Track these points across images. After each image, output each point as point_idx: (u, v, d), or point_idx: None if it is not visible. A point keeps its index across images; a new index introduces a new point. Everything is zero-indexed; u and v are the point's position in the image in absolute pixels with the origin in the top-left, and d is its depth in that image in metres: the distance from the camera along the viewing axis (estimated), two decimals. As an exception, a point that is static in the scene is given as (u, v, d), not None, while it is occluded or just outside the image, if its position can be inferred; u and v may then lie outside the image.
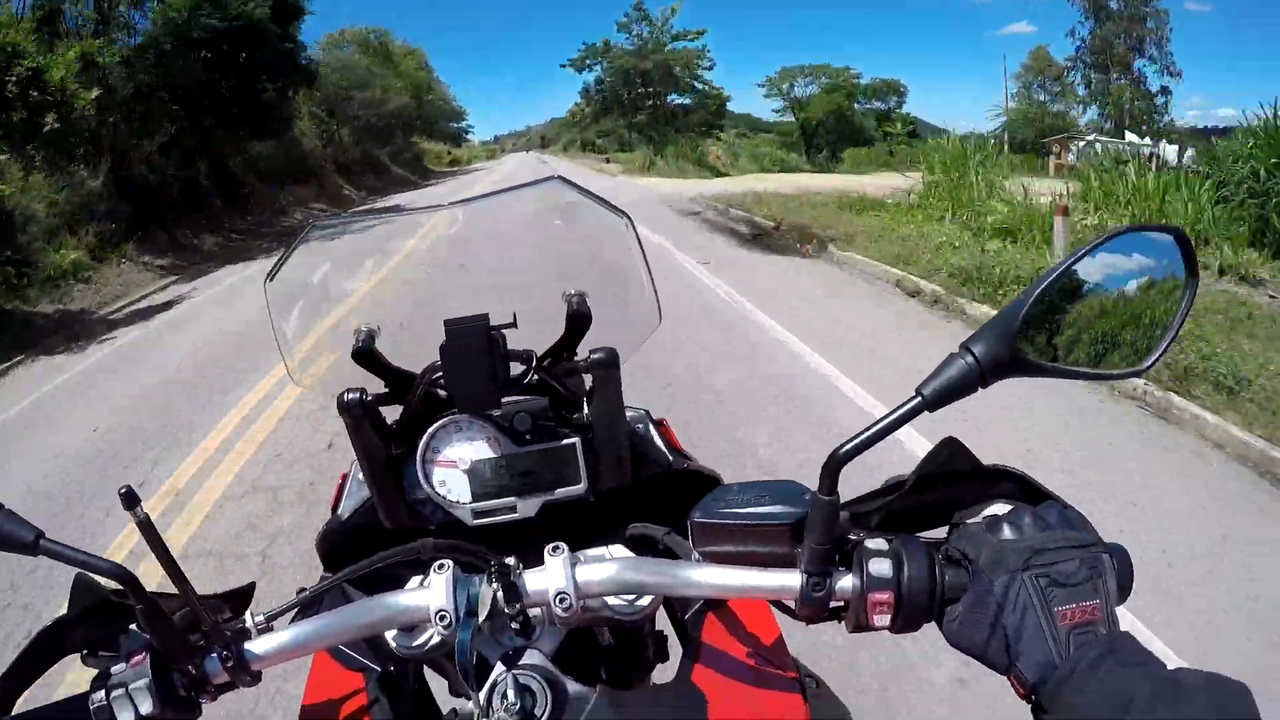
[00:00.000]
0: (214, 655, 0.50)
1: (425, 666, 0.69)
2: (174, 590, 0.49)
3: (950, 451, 0.50)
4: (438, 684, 0.71)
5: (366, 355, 0.67)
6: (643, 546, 0.63)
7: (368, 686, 0.64)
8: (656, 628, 0.73)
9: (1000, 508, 0.49)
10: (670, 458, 0.73)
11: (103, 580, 0.50)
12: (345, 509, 0.73)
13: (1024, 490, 0.50)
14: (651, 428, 0.76)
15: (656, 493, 0.71)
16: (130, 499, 0.44)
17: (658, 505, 0.70)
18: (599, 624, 0.61)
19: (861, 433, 0.44)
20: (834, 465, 0.44)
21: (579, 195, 0.69)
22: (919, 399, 0.43)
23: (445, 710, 0.70)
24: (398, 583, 0.60)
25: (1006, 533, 0.45)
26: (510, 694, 0.48)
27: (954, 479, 0.51)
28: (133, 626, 0.53)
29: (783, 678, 0.60)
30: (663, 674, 0.74)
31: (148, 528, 0.46)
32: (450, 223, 0.79)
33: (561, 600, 0.49)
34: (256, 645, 0.51)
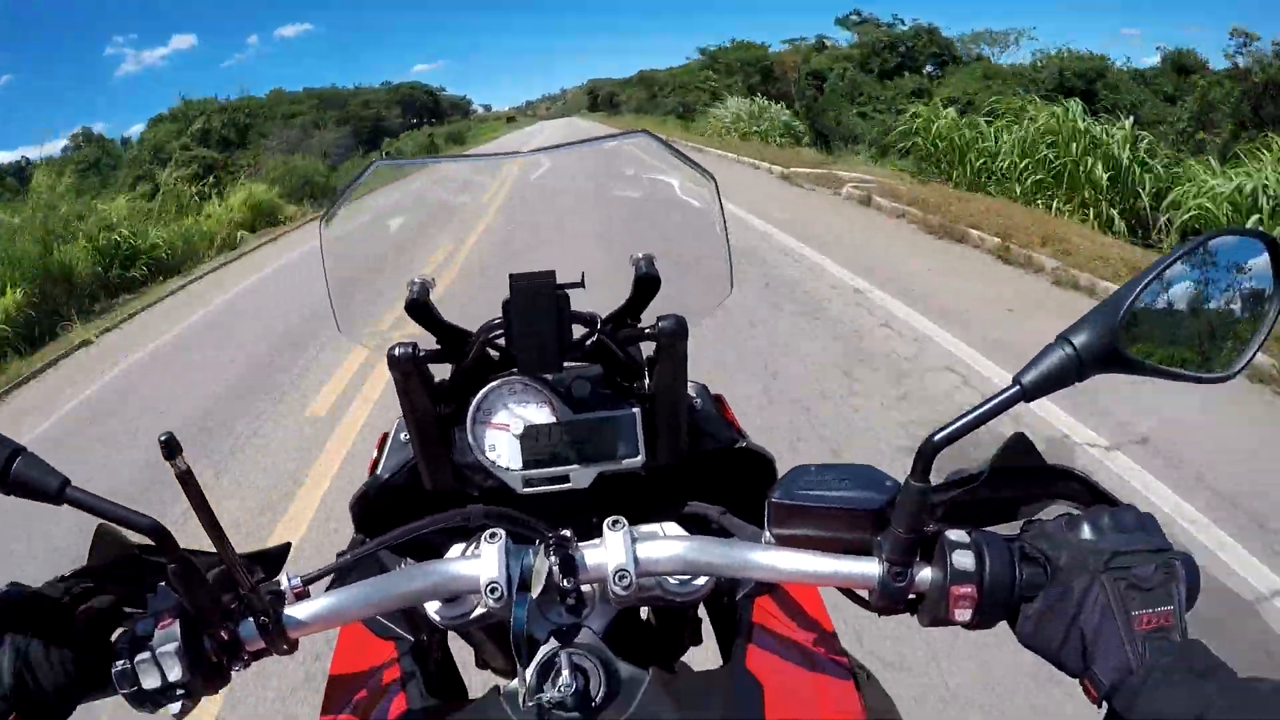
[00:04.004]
0: (250, 620, 0.48)
1: (449, 635, 0.67)
2: (206, 549, 0.47)
3: (1019, 447, 0.50)
4: (459, 652, 0.70)
5: (420, 308, 0.64)
6: (697, 526, 0.62)
7: (401, 658, 0.63)
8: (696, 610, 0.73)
9: (1066, 508, 0.50)
10: (728, 435, 0.72)
11: (130, 534, 0.46)
12: (385, 469, 0.71)
13: (1087, 490, 0.51)
14: (710, 402, 0.75)
15: (708, 470, 0.70)
16: (170, 447, 0.42)
17: (709, 483, 0.69)
18: (649, 603, 0.61)
19: (955, 421, 0.43)
20: (928, 451, 0.44)
21: (665, 151, 0.67)
22: (1017, 388, 0.44)
23: (469, 681, 0.69)
24: (435, 549, 0.59)
25: (1086, 533, 0.45)
26: (565, 673, 0.47)
27: (1020, 475, 0.51)
28: (161, 584, 0.50)
29: (836, 665, 0.60)
30: (694, 656, 0.75)
31: (188, 479, 0.43)
32: (519, 172, 0.76)
33: (621, 578, 0.48)
34: (296, 611, 0.49)
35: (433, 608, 0.56)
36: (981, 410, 0.43)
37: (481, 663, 0.76)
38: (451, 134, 48.78)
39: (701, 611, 0.73)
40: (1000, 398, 0.43)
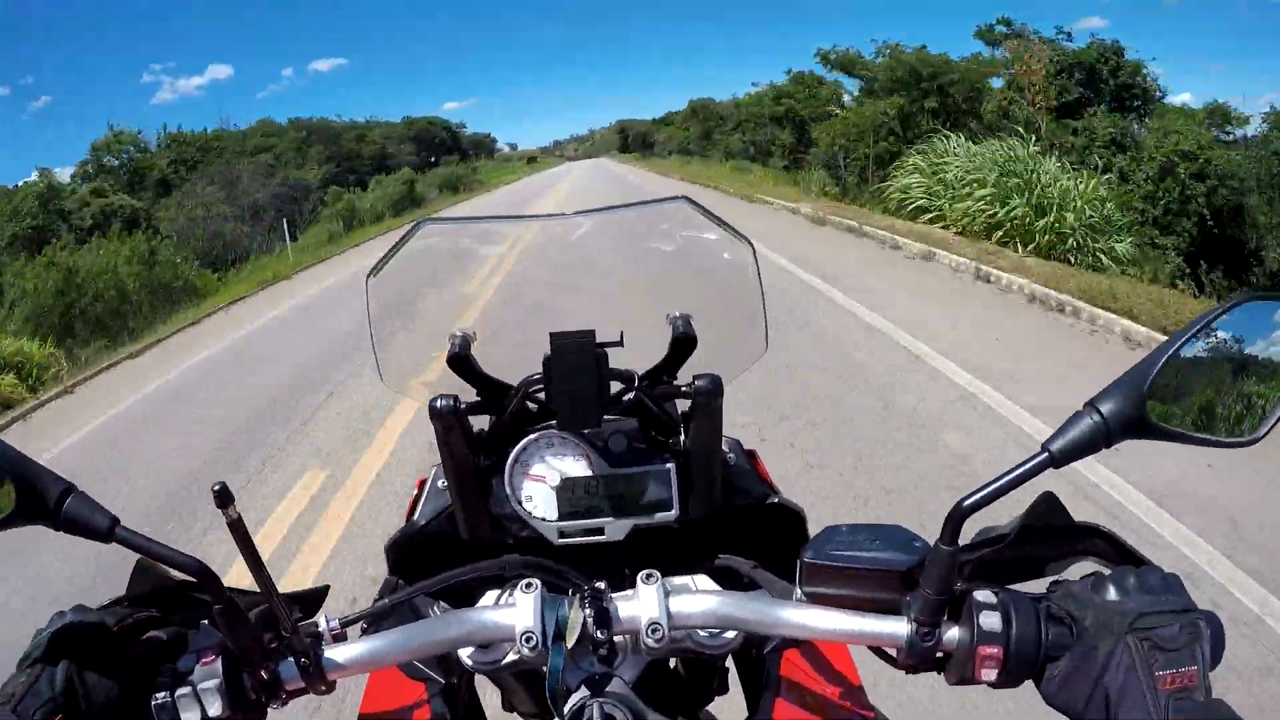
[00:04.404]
0: (290, 660, 0.68)
1: (476, 677, 0.88)
2: (247, 588, 0.68)
3: (1047, 505, 0.69)
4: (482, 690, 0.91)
5: (461, 361, 0.89)
6: (728, 579, 0.84)
7: (431, 700, 0.85)
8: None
9: (1093, 566, 0.69)
10: (761, 490, 0.96)
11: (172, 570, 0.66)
12: (423, 515, 0.96)
13: (1116, 549, 0.69)
14: (743, 457, 0.99)
15: (741, 524, 0.93)
16: (223, 496, 0.60)
17: (741, 537, 0.92)
18: (679, 654, 0.82)
19: (985, 486, 0.61)
20: (958, 516, 0.62)
21: (703, 218, 0.93)
22: (1046, 455, 0.62)
23: None
24: (468, 593, 0.82)
25: (1112, 594, 0.62)
26: None
27: (1049, 534, 0.70)
28: (204, 622, 0.70)
29: None
30: (719, 705, 0.98)
31: (238, 527, 0.61)
32: (562, 233, 1.04)
33: (654, 630, 0.69)
34: (335, 653, 0.69)
35: (465, 652, 0.76)
36: (1010, 477, 0.61)
37: (508, 705, 0.98)
38: (449, 179, 45.59)
39: (729, 661, 0.93)
40: (1029, 465, 0.61)
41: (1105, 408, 0.62)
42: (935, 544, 0.64)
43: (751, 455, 1.02)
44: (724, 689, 1.01)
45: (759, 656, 0.88)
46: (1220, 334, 0.67)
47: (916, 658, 0.66)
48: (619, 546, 0.89)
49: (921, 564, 0.66)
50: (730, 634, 0.77)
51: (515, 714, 1.00)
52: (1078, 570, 0.70)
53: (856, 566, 0.70)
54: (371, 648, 0.70)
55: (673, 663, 0.98)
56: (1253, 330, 0.68)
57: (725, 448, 0.96)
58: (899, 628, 0.66)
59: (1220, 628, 0.61)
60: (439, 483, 0.98)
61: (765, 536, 0.94)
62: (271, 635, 0.69)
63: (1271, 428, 0.67)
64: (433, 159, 58.23)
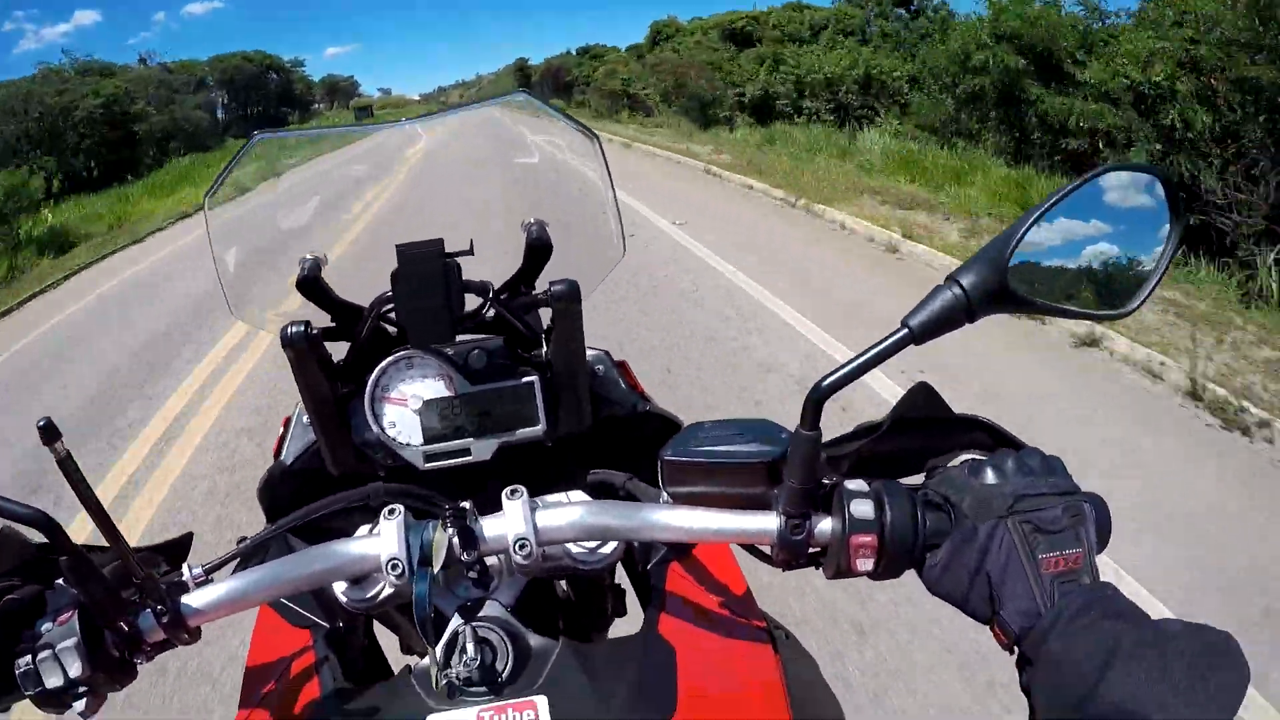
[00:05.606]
0: (148, 611, 0.64)
1: (375, 622, 0.87)
2: (104, 542, 0.62)
3: (923, 397, 0.68)
4: (387, 639, 0.91)
5: (312, 285, 0.84)
6: (603, 493, 0.83)
7: (315, 644, 0.81)
8: (615, 581, 0.95)
9: (974, 455, 0.68)
10: (632, 400, 0.94)
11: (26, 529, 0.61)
12: (289, 454, 0.92)
13: (996, 439, 0.68)
14: (612, 368, 0.97)
15: (616, 438, 0.92)
16: (50, 432, 0.56)
17: (617, 451, 0.91)
18: (559, 574, 0.80)
19: (844, 365, 0.59)
20: (817, 399, 0.60)
21: (545, 110, 0.89)
22: (906, 331, 0.59)
23: (397, 667, 0.88)
24: (347, 533, 0.77)
25: (990, 477, 0.61)
26: (470, 648, 0.65)
27: (927, 425, 0.69)
28: (59, 581, 0.65)
29: (752, 628, 0.79)
30: (621, 628, 0.96)
31: (69, 465, 0.57)
32: (406, 142, 0.99)
33: (521, 547, 0.66)
34: (194, 599, 0.65)
35: (340, 588, 0.73)
36: (870, 355, 0.59)
37: (406, 648, 0.97)
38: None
39: (625, 583, 0.94)
40: (888, 341, 0.59)
41: (966, 280, 0.60)
42: (796, 430, 0.62)
43: (621, 365, 1.00)
44: (621, 611, 1.00)
45: (644, 572, 0.87)
46: (1086, 204, 0.65)
47: (789, 552, 0.65)
48: (490, 468, 0.86)
49: (786, 455, 0.64)
50: (607, 549, 0.76)
51: (414, 656, 0.97)
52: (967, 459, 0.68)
53: (719, 461, 0.68)
54: (231, 589, 0.66)
55: (565, 589, 0.97)
56: (1121, 199, 0.66)
57: (592, 359, 0.94)
58: (769, 522, 0.64)
59: (1106, 510, 0.62)
60: (304, 419, 0.93)
61: (640, 448, 0.91)
62: (132, 589, 0.64)
63: (1147, 297, 0.67)
64: (245, 112, 45.59)
